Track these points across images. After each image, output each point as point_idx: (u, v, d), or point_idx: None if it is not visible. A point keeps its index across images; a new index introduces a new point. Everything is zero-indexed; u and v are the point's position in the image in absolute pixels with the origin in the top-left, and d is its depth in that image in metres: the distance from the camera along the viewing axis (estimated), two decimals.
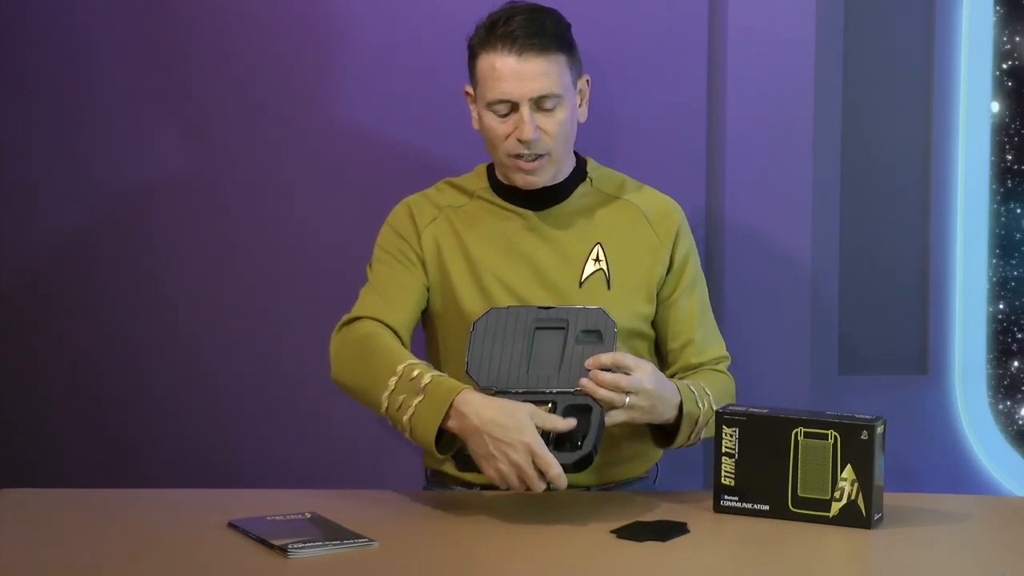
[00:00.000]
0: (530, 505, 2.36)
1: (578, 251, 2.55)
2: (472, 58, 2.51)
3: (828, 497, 2.23)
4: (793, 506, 2.25)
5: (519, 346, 2.36)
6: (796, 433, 2.25)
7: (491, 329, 2.38)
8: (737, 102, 2.97)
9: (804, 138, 2.98)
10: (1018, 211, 3.03)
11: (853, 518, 2.22)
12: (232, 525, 2.21)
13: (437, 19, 2.97)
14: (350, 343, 2.45)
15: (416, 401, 2.29)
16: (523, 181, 2.52)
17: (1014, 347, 3.05)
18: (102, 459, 3.11)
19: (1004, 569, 2.05)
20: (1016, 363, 3.06)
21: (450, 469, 2.53)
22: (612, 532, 2.20)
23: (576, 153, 2.60)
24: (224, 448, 3.10)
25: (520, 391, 2.32)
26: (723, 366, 2.58)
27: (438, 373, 2.33)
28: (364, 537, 2.15)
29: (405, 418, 2.30)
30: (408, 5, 2.99)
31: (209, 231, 3.07)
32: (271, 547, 2.11)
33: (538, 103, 2.46)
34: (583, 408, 2.28)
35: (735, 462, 2.29)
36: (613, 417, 2.29)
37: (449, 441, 2.31)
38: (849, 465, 2.22)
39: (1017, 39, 3.00)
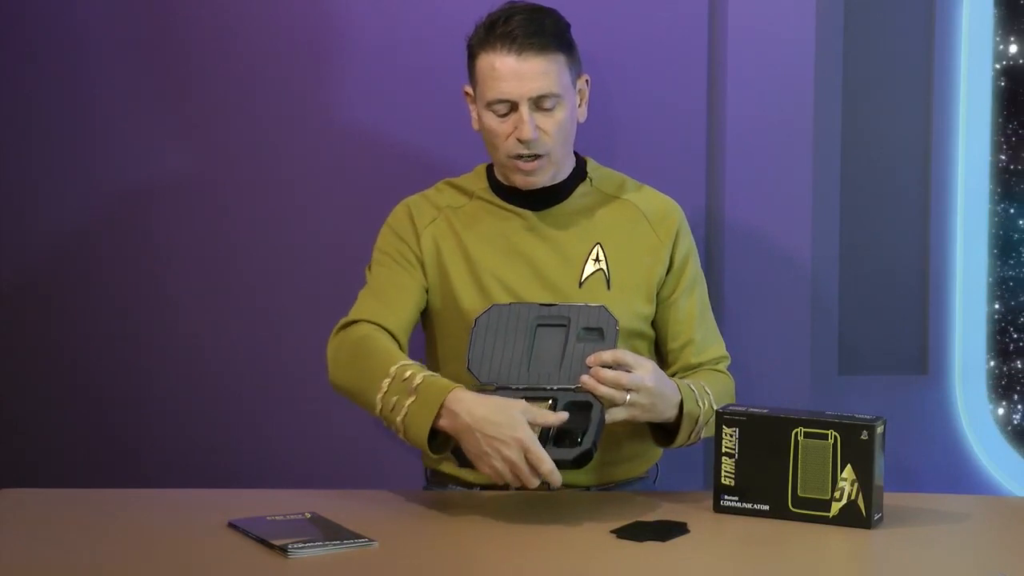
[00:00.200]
0: (530, 505, 2.36)
1: (578, 251, 2.55)
2: (471, 58, 2.51)
3: (828, 497, 2.23)
4: (793, 506, 2.25)
5: (520, 343, 2.36)
6: (796, 433, 2.25)
7: (492, 325, 2.38)
8: (737, 102, 2.97)
9: (804, 138, 2.98)
10: (1017, 211, 3.03)
11: (853, 518, 2.22)
12: (232, 525, 2.21)
13: (437, 19, 2.97)
14: (346, 346, 2.45)
15: (409, 401, 2.29)
16: (522, 181, 2.52)
17: (1014, 347, 3.05)
18: (102, 459, 3.11)
19: (1004, 569, 2.05)
20: (1016, 363, 3.06)
21: (450, 469, 2.53)
22: (612, 532, 2.20)
23: (576, 153, 2.60)
24: (224, 448, 3.10)
25: (521, 387, 2.32)
26: (723, 366, 2.58)
27: (431, 373, 2.33)
28: (364, 537, 2.15)
29: (398, 419, 2.30)
30: (408, 5, 2.99)
31: (209, 231, 3.07)
32: (271, 547, 2.11)
33: (537, 103, 2.46)
34: (584, 405, 2.28)
35: (735, 462, 2.29)
36: (613, 415, 2.29)
37: (443, 441, 2.31)
38: (849, 465, 2.22)
39: (1017, 39, 3.00)
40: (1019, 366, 3.05)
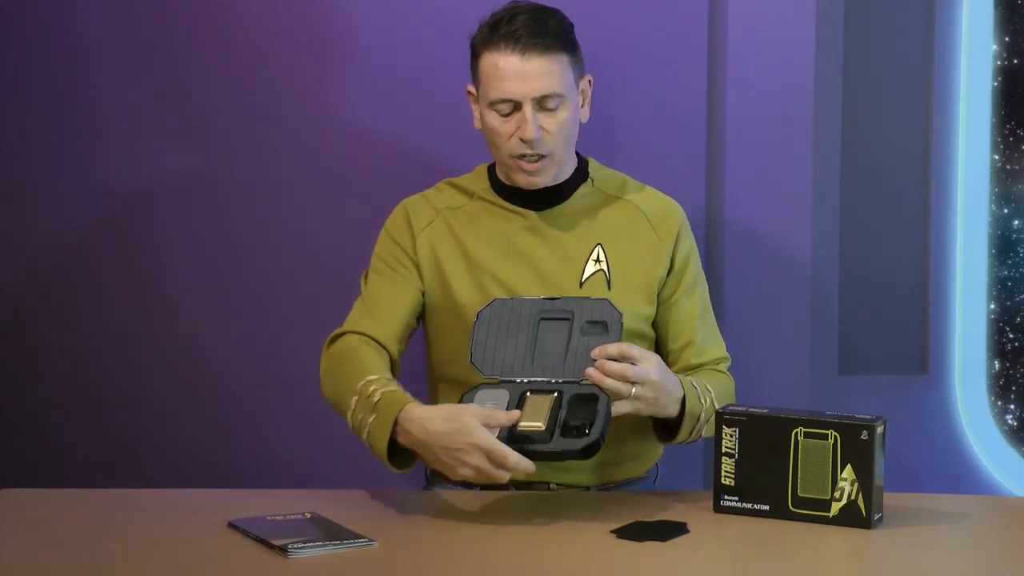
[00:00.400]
0: (530, 505, 2.36)
1: (579, 251, 2.55)
2: (475, 57, 2.51)
3: (828, 497, 2.23)
4: (793, 506, 2.25)
5: (524, 336, 2.36)
6: (796, 433, 2.25)
7: (495, 319, 2.38)
8: (737, 102, 2.96)
9: (804, 138, 2.97)
10: (1017, 211, 3.03)
11: (853, 518, 2.22)
12: (232, 525, 2.21)
13: (437, 19, 2.97)
14: (330, 360, 2.48)
15: (371, 420, 2.31)
16: (524, 181, 2.52)
17: (1014, 347, 3.05)
18: (102, 459, 3.11)
19: (1004, 569, 2.05)
20: (1016, 363, 3.06)
21: None
22: (612, 532, 2.20)
23: (578, 153, 2.60)
24: (224, 448, 3.10)
25: (525, 380, 2.32)
26: (723, 367, 2.58)
27: (390, 389, 2.33)
28: (364, 537, 2.15)
29: (364, 437, 2.32)
30: (408, 5, 2.99)
31: (209, 231, 3.07)
32: (271, 547, 2.11)
33: (540, 103, 2.46)
34: (589, 397, 2.27)
35: (735, 462, 2.29)
36: (618, 407, 2.28)
37: (412, 454, 2.32)
38: (849, 465, 2.22)
39: (1017, 39, 3.00)
40: (1019, 366, 3.05)
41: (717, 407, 2.36)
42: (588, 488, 2.54)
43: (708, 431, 2.43)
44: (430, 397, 2.62)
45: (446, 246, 2.56)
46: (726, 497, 2.30)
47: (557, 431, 2.24)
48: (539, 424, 2.25)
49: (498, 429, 2.23)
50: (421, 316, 2.58)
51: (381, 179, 2.99)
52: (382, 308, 2.52)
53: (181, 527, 2.24)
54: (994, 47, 3.00)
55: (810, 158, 2.98)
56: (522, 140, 2.47)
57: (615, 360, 2.29)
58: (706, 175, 2.99)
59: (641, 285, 2.55)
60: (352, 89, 3.01)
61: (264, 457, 3.09)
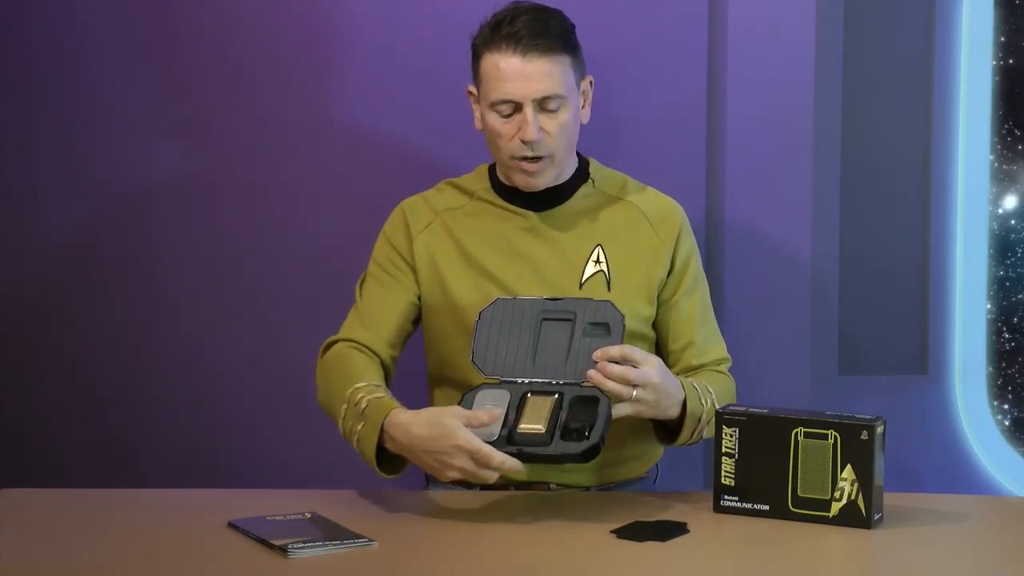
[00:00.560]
0: (530, 505, 2.36)
1: (579, 252, 2.55)
2: (476, 58, 2.50)
3: (828, 497, 2.23)
4: (793, 506, 2.25)
5: (526, 336, 2.36)
6: (796, 433, 2.25)
7: (497, 319, 2.38)
8: (737, 102, 2.97)
9: (804, 138, 2.97)
10: (1017, 210, 3.03)
11: (853, 518, 2.22)
12: (232, 525, 2.21)
13: (437, 19, 2.97)
14: (322, 369, 2.50)
15: (360, 427, 2.32)
16: (524, 183, 2.52)
17: (1014, 347, 3.05)
18: (102, 459, 3.11)
19: (1004, 569, 2.05)
20: (1016, 363, 3.06)
21: None
22: (612, 532, 2.20)
23: (579, 154, 2.60)
24: (224, 448, 3.10)
25: (525, 381, 2.32)
26: (724, 368, 2.58)
27: (377, 396, 2.34)
28: (364, 537, 2.15)
29: (355, 445, 2.34)
30: (408, 5, 2.99)
31: (209, 231, 3.07)
32: (271, 547, 2.11)
33: (541, 104, 2.46)
34: (590, 399, 2.27)
35: (735, 462, 2.28)
36: (619, 410, 2.28)
37: (403, 459, 2.33)
38: (849, 465, 2.22)
39: (1017, 39, 3.00)
40: (1019, 366, 3.05)
41: (718, 408, 2.36)
42: (588, 488, 2.53)
43: (709, 432, 2.42)
44: (430, 400, 2.62)
45: (444, 248, 2.56)
46: (726, 497, 2.30)
47: (557, 434, 2.24)
48: (539, 427, 2.25)
49: (499, 429, 2.24)
50: (418, 320, 2.58)
51: (381, 179, 2.99)
52: (375, 315, 2.53)
53: (181, 527, 2.24)
54: (994, 47, 3.00)
55: (810, 158, 2.98)
56: (523, 141, 2.47)
57: (617, 362, 2.29)
58: (706, 175, 2.99)
59: (641, 286, 2.55)
60: (352, 89, 3.01)
61: (264, 457, 3.09)
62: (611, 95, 2.92)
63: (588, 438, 2.23)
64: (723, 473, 2.29)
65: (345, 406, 2.36)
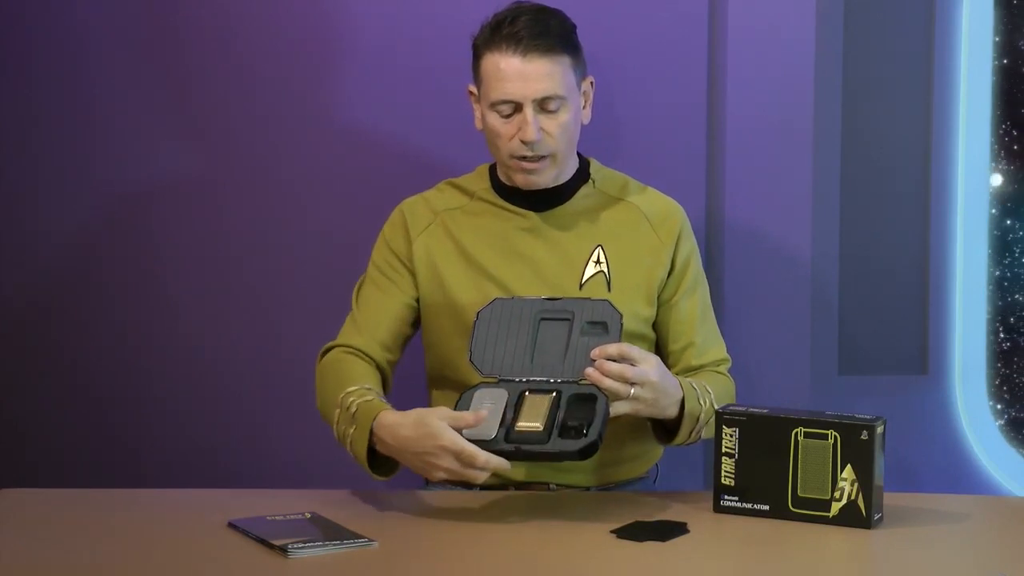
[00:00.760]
0: (530, 505, 2.36)
1: (579, 253, 2.55)
2: (476, 58, 2.50)
3: (828, 497, 2.23)
4: (793, 506, 2.25)
5: (524, 336, 2.36)
6: (796, 433, 2.25)
7: (496, 318, 2.38)
8: (737, 102, 2.96)
9: (804, 138, 2.97)
10: (1017, 211, 3.03)
11: (853, 518, 2.22)
12: (232, 525, 2.21)
13: (437, 19, 2.96)
14: (318, 375, 2.51)
15: (351, 431, 2.34)
16: (525, 181, 2.52)
17: (1014, 347, 3.05)
18: (102, 459, 3.11)
19: (1004, 569, 2.05)
20: (1016, 363, 3.05)
21: None
22: (612, 532, 2.20)
23: (579, 154, 2.60)
24: (224, 448, 3.10)
25: (524, 380, 2.32)
26: (724, 368, 2.58)
27: (366, 399, 2.35)
28: (364, 537, 2.15)
29: (348, 449, 2.36)
30: (408, 5, 2.98)
31: (209, 231, 3.07)
32: (271, 547, 2.11)
33: (542, 104, 2.46)
34: (588, 398, 2.27)
35: (735, 462, 2.28)
36: (617, 408, 2.28)
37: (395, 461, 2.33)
38: (849, 465, 2.22)
39: (1017, 39, 3.00)
40: (1019, 366, 3.05)
41: (717, 408, 2.36)
42: (588, 488, 2.53)
43: (707, 432, 2.42)
44: (428, 401, 2.62)
45: (444, 248, 2.55)
46: (726, 497, 2.30)
47: (555, 432, 2.24)
48: (537, 425, 2.25)
49: (497, 428, 2.24)
50: (417, 323, 2.58)
51: (381, 179, 2.99)
52: (371, 319, 2.53)
53: (181, 527, 2.24)
54: (994, 47, 3.00)
55: (810, 158, 2.98)
56: (523, 141, 2.47)
57: (614, 360, 2.29)
58: (706, 175, 2.99)
59: (641, 286, 2.55)
60: (352, 89, 3.01)
61: (264, 457, 3.09)
62: (611, 95, 2.92)
63: (586, 436, 2.23)
64: (723, 473, 2.29)
65: (338, 411, 2.37)
